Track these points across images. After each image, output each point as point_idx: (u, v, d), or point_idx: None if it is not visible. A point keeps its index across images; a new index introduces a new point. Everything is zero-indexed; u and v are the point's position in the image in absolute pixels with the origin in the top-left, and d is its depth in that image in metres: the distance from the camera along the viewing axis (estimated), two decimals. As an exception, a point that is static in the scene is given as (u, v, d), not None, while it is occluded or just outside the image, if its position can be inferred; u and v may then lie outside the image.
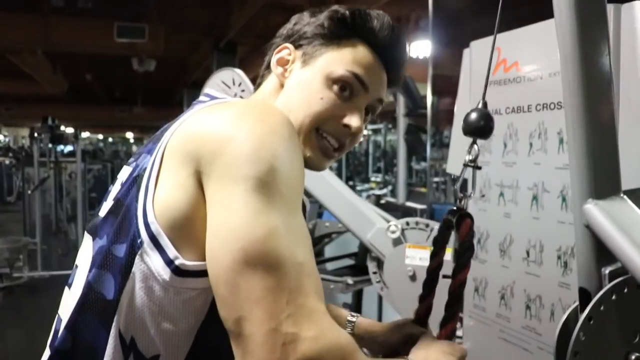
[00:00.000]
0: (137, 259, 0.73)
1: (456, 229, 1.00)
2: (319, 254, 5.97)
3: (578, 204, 1.11)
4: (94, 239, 0.80)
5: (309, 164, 0.90)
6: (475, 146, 1.06)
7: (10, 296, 6.11)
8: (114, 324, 0.74)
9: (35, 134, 7.97)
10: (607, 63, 1.05)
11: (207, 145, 0.70)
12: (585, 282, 1.17)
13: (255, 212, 0.65)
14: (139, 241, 0.72)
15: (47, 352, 0.82)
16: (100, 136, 36.66)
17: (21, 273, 6.59)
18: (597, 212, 1.09)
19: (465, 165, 1.07)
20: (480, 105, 1.08)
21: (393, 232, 1.98)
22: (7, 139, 28.38)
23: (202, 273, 0.70)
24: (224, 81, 2.36)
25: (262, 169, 0.67)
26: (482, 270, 1.76)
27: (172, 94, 20.39)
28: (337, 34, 0.89)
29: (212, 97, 0.86)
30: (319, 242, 5.52)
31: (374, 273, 2.07)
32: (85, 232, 0.85)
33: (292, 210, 0.69)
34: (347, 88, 0.88)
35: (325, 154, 0.90)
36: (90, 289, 0.76)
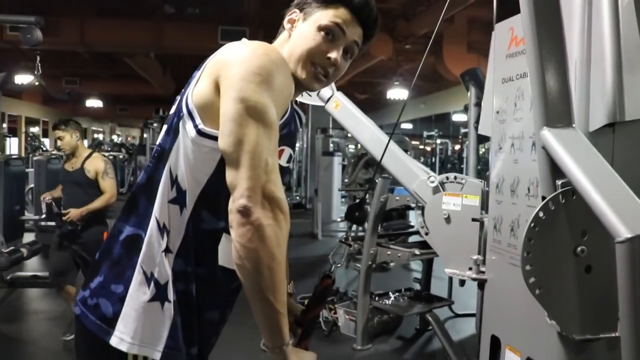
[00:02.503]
0: (180, 125, 1.21)
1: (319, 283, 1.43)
2: (388, 226, 6.33)
3: (537, 131, 1.51)
4: (167, 124, 1.30)
5: (305, 85, 1.32)
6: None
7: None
8: (166, 164, 1.23)
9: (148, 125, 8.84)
10: (558, 26, 1.44)
11: (223, 62, 1.17)
12: (545, 192, 1.56)
13: (252, 90, 1.12)
14: (182, 115, 1.21)
15: (131, 193, 1.34)
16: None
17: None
18: (550, 137, 1.49)
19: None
20: None
21: (432, 182, 2.40)
22: (120, 138, 30.75)
23: (214, 138, 1.17)
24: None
25: (254, 72, 1.12)
26: (499, 209, 2.15)
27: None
28: (326, 0, 1.30)
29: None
30: (389, 214, 5.94)
31: (419, 220, 2.50)
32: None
33: (272, 101, 1.15)
34: (329, 33, 1.28)
35: (315, 78, 1.31)
36: (160, 146, 1.27)
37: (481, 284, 2.25)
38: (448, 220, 2.38)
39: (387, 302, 4.40)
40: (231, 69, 1.15)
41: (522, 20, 1.45)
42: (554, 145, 1.47)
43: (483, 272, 2.27)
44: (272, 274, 1.10)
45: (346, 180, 8.08)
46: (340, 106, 2.72)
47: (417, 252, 3.96)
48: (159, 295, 1.22)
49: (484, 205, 2.36)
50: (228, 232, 1.24)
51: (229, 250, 1.27)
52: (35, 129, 22.73)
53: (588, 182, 1.36)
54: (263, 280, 1.10)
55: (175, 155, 1.22)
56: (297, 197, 14.72)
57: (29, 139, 20.43)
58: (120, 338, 1.21)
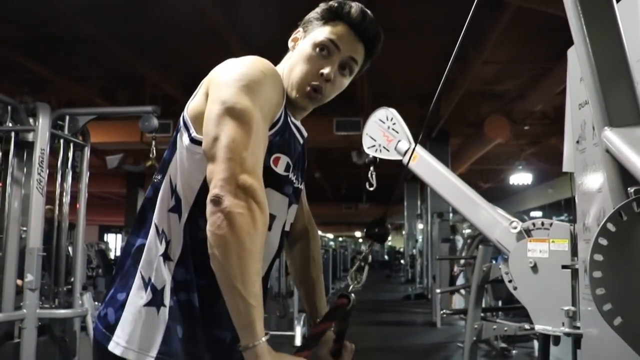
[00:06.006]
0: (178, 137, 1.26)
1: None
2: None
3: (598, 132, 1.31)
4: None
5: (298, 104, 1.33)
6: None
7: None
8: (166, 175, 1.28)
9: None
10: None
11: (215, 74, 1.23)
12: (616, 203, 1.33)
13: (231, 92, 1.14)
14: (179, 128, 1.26)
15: (140, 208, 1.35)
16: (331, 235, 38.84)
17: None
18: (613, 137, 1.28)
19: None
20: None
21: (514, 227, 2.17)
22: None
23: None
24: (380, 118, 2.82)
25: (237, 78, 1.17)
26: (588, 250, 1.88)
27: (391, 190, 21.31)
28: (325, 17, 1.32)
29: None
30: (496, 284, 5.49)
31: (506, 273, 2.24)
32: None
33: (254, 103, 1.15)
34: (324, 49, 1.30)
35: (308, 96, 1.31)
36: (163, 160, 1.31)
37: (577, 341, 1.95)
38: (535, 269, 2.11)
39: (498, 385, 3.98)
40: (219, 77, 1.21)
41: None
42: (620, 147, 1.26)
43: (578, 327, 1.97)
44: (241, 262, 1.05)
45: (462, 261, 7.71)
46: (418, 158, 2.60)
47: (527, 326, 3.58)
48: (155, 300, 1.22)
49: (576, 251, 2.08)
50: None
51: None
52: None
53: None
54: (231, 267, 1.05)
55: (175, 166, 1.27)
56: (420, 288, 14.25)
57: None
58: (117, 342, 1.20)
